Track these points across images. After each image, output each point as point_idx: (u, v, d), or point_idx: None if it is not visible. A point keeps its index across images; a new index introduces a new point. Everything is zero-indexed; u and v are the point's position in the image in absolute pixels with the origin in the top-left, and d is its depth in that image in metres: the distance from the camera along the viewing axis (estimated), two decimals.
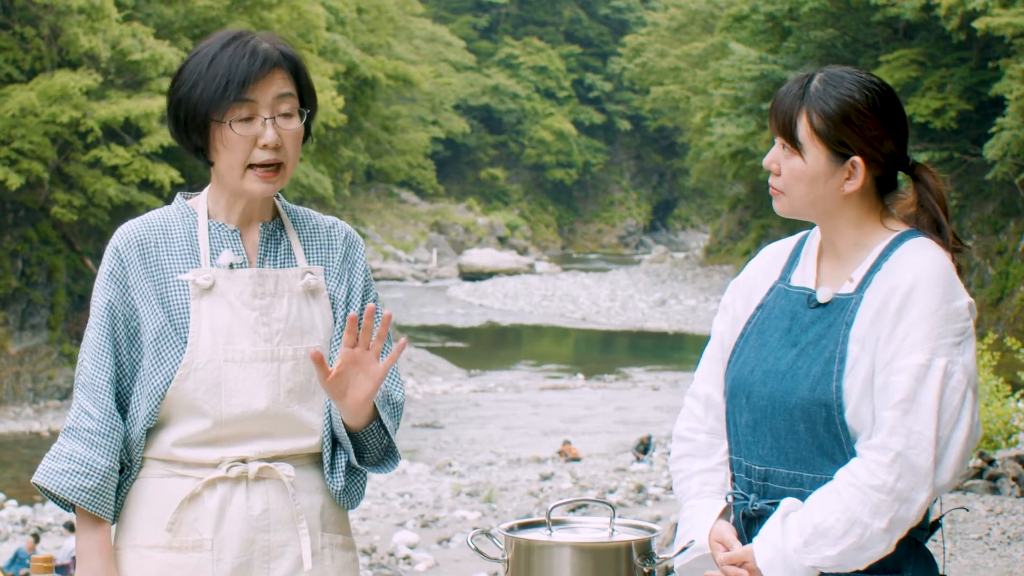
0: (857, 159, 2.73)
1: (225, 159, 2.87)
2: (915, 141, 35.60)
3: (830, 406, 2.69)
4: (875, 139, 2.73)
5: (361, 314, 2.96)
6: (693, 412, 2.95)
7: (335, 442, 2.98)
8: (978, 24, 31.86)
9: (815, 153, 2.74)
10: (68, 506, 2.88)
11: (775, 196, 2.83)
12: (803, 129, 2.74)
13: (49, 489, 2.86)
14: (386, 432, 2.98)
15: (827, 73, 2.77)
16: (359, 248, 3.07)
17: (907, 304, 2.67)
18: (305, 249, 3.00)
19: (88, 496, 2.84)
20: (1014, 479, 10.63)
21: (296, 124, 2.89)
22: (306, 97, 2.92)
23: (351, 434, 2.94)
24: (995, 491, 10.59)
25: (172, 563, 2.88)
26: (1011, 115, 31.17)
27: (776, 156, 2.80)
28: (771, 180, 2.82)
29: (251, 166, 2.87)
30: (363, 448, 2.97)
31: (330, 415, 2.95)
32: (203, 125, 2.85)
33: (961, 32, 33.95)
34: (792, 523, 2.69)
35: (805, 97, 2.75)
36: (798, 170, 2.76)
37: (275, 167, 2.89)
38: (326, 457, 2.96)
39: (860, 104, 2.72)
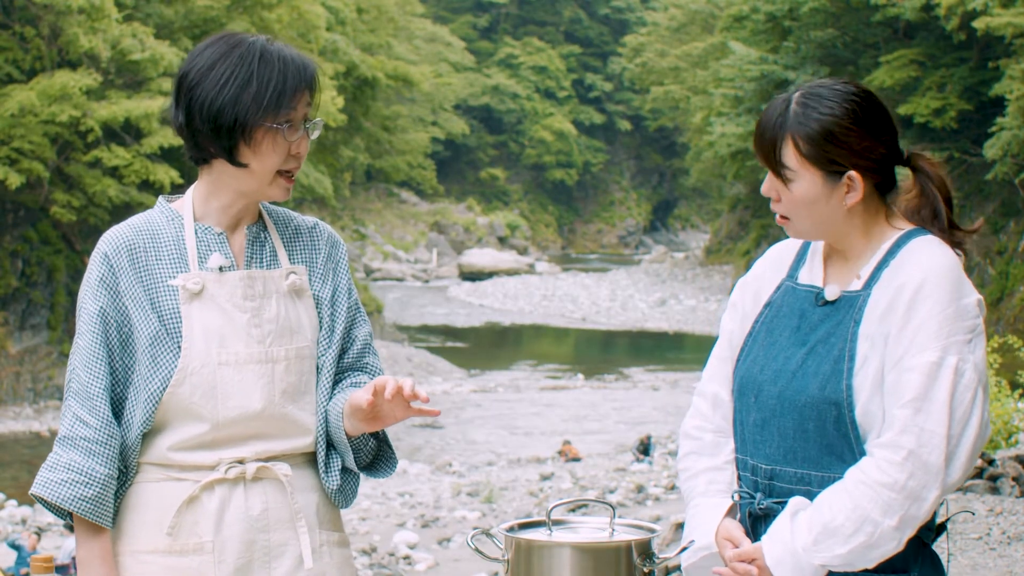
0: (853, 173, 2.72)
1: (263, 163, 2.87)
2: (915, 141, 35.53)
3: (840, 404, 2.69)
4: (865, 150, 2.72)
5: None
6: (700, 410, 2.95)
7: (329, 443, 2.98)
8: (978, 24, 31.86)
9: (809, 177, 2.73)
10: (66, 515, 2.87)
11: (782, 223, 2.81)
12: (791, 156, 2.72)
13: (48, 500, 2.83)
14: (375, 436, 3.00)
15: (804, 93, 2.74)
16: (341, 248, 3.08)
17: (917, 302, 2.66)
18: (288, 250, 3.01)
19: (88, 505, 2.83)
20: (1014, 479, 10.62)
21: (316, 133, 2.93)
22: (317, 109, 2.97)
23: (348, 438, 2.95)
24: (995, 491, 10.59)
25: (173, 567, 2.87)
26: (1011, 115, 31.17)
27: (773, 185, 2.78)
28: (773, 207, 2.81)
29: (279, 172, 2.90)
30: (355, 450, 2.98)
31: (327, 418, 2.95)
32: (249, 128, 2.84)
33: (961, 32, 33.95)
34: (801, 521, 2.69)
35: (786, 124, 2.73)
36: (797, 197, 2.75)
37: (293, 175, 2.93)
38: (320, 457, 2.96)
39: (843, 120, 2.70)
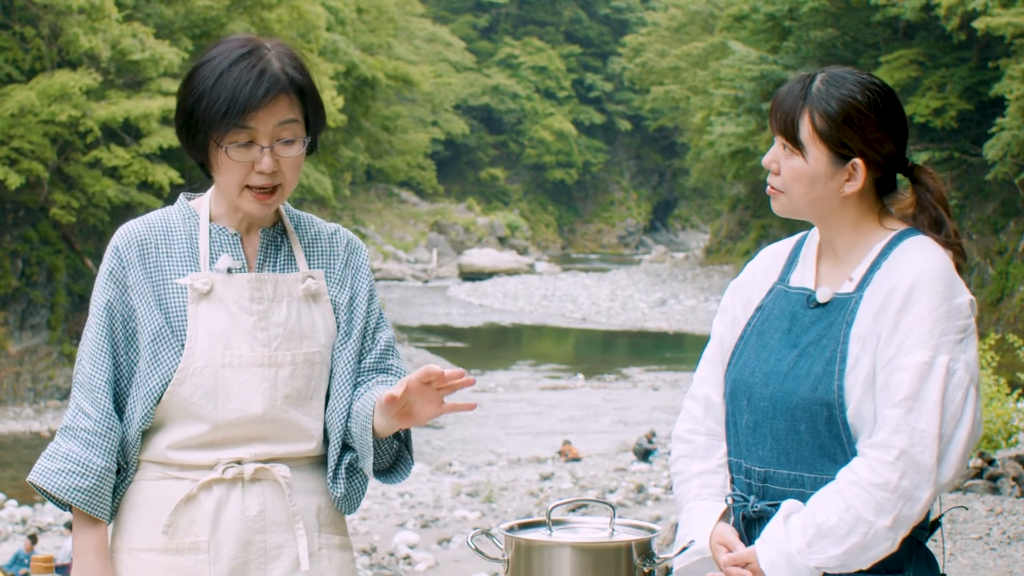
0: (858, 161, 2.73)
1: (223, 177, 2.87)
2: (915, 141, 35.56)
3: (832, 405, 2.69)
4: (876, 141, 2.73)
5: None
6: (692, 414, 2.95)
7: (343, 448, 2.96)
8: (978, 24, 31.87)
9: (816, 154, 2.73)
10: (65, 506, 2.88)
11: (773, 195, 2.82)
12: (805, 129, 2.74)
13: (45, 489, 2.85)
14: (397, 438, 2.98)
15: (829, 73, 2.77)
16: (361, 254, 3.05)
17: (909, 302, 2.67)
18: (307, 254, 2.99)
19: (84, 496, 2.84)
20: (1014, 479, 10.62)
21: (296, 151, 2.86)
22: (312, 120, 2.89)
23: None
24: (995, 491, 10.58)
25: (168, 565, 2.87)
26: (1011, 115, 31.17)
27: (776, 155, 2.79)
28: (770, 179, 2.82)
29: (247, 187, 2.86)
30: (377, 453, 2.95)
31: (351, 419, 2.92)
32: (203, 142, 2.84)
33: (961, 32, 33.96)
34: (795, 524, 2.68)
35: (807, 97, 2.74)
36: (799, 170, 2.75)
37: (271, 189, 2.87)
38: (331, 463, 2.95)
39: (862, 105, 2.72)
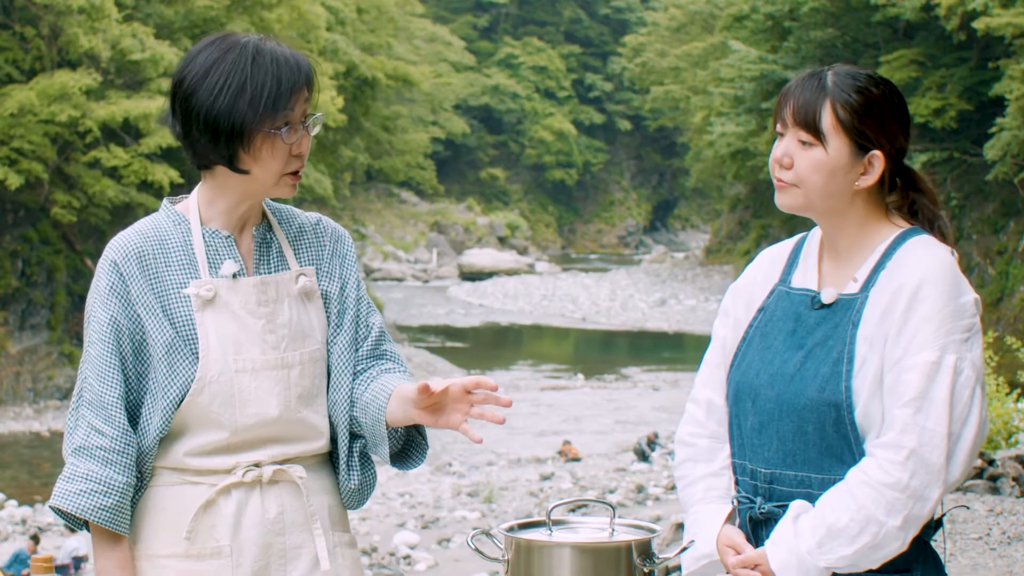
0: (877, 153, 2.74)
1: (264, 167, 2.84)
2: (915, 141, 35.50)
3: (840, 406, 2.70)
4: (892, 133, 2.75)
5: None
6: (695, 417, 2.95)
7: (352, 438, 2.97)
8: (978, 24, 31.86)
9: (837, 144, 2.73)
10: (82, 524, 2.86)
11: (783, 189, 2.79)
12: (827, 120, 2.73)
13: (68, 511, 2.82)
14: (414, 426, 2.98)
15: (837, 70, 2.78)
16: (346, 242, 3.05)
17: (915, 302, 2.68)
18: (295, 250, 2.98)
19: (108, 514, 2.82)
20: (1014, 479, 10.62)
21: (316, 129, 2.89)
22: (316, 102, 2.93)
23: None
24: (995, 491, 10.58)
25: (190, 571, 2.87)
26: (1011, 115, 31.15)
27: (788, 149, 2.77)
28: (779, 174, 2.78)
29: (284, 173, 2.87)
30: (390, 440, 2.96)
31: (359, 409, 2.93)
32: (246, 135, 2.80)
33: (961, 32, 33.95)
34: (804, 524, 2.69)
35: (826, 90, 2.75)
36: (819, 161, 2.74)
37: (298, 174, 2.89)
38: (343, 456, 2.96)
39: (878, 97, 2.74)
